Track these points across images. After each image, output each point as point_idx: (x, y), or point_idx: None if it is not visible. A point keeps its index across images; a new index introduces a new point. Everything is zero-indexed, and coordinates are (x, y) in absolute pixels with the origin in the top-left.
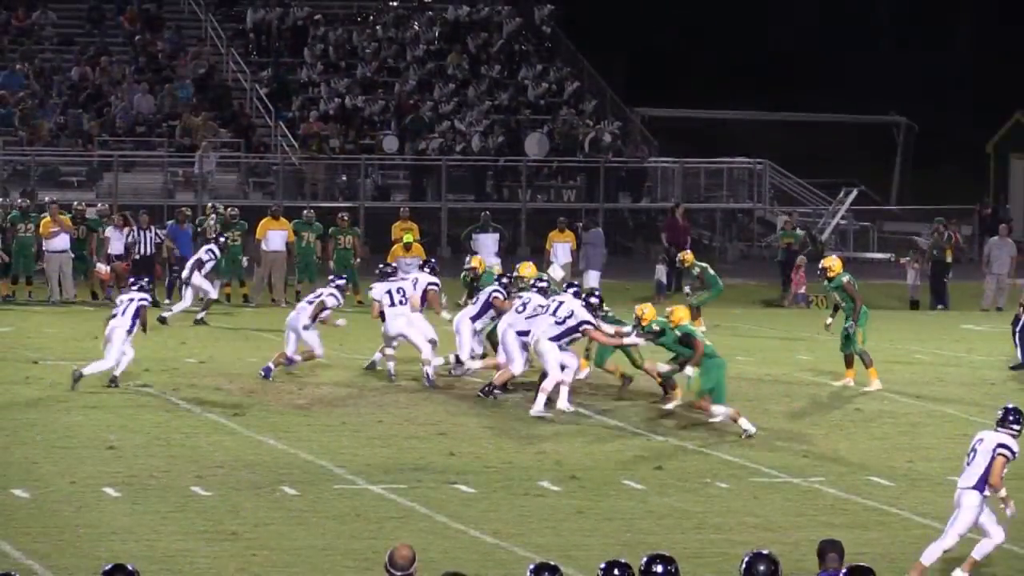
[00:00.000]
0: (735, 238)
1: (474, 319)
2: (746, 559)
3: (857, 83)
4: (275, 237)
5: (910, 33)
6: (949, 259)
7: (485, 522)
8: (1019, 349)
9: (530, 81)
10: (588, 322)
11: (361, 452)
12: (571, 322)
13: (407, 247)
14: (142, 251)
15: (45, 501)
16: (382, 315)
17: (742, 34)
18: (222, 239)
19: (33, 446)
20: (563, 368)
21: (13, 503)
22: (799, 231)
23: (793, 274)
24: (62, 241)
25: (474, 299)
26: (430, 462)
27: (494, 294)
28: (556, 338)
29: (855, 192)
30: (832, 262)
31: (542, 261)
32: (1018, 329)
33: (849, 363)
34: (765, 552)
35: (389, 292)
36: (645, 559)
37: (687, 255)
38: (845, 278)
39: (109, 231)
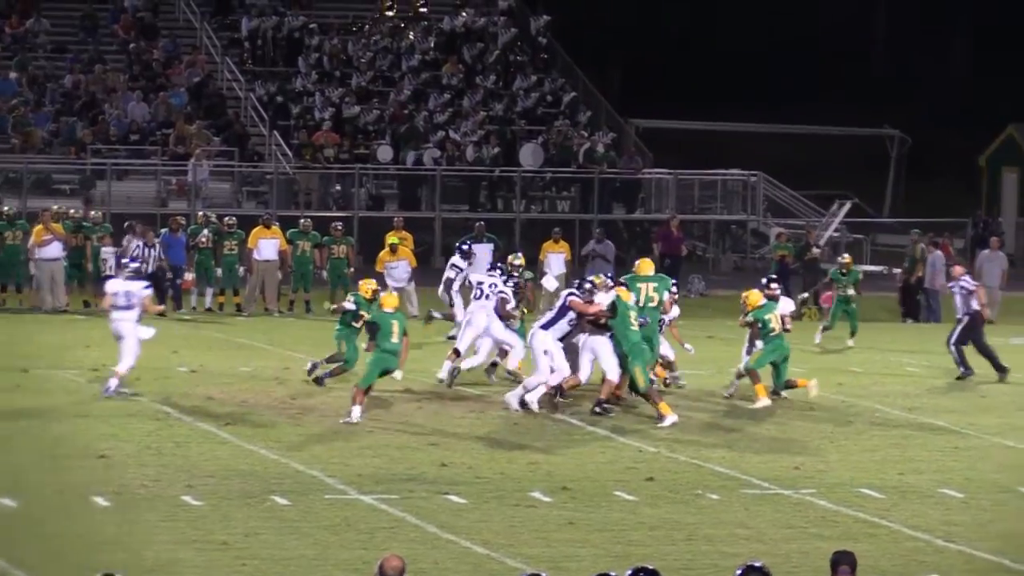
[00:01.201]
0: (728, 249)
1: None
2: (739, 571)
3: (851, 96)
4: (267, 246)
5: (905, 46)
6: (920, 273)
7: (476, 532)
8: (958, 360)
9: (525, 92)
10: (571, 294)
11: (352, 462)
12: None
13: (393, 249)
14: (149, 268)
15: (34, 510)
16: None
17: (737, 46)
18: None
19: (22, 454)
20: (552, 371)
21: (1, 512)
22: (816, 249)
23: (823, 290)
24: (55, 249)
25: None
26: (422, 472)
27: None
28: (547, 325)
29: (849, 204)
30: (750, 294)
31: (535, 272)
32: (952, 341)
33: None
34: (758, 564)
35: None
36: (630, 572)
37: (848, 259)
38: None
39: (126, 240)
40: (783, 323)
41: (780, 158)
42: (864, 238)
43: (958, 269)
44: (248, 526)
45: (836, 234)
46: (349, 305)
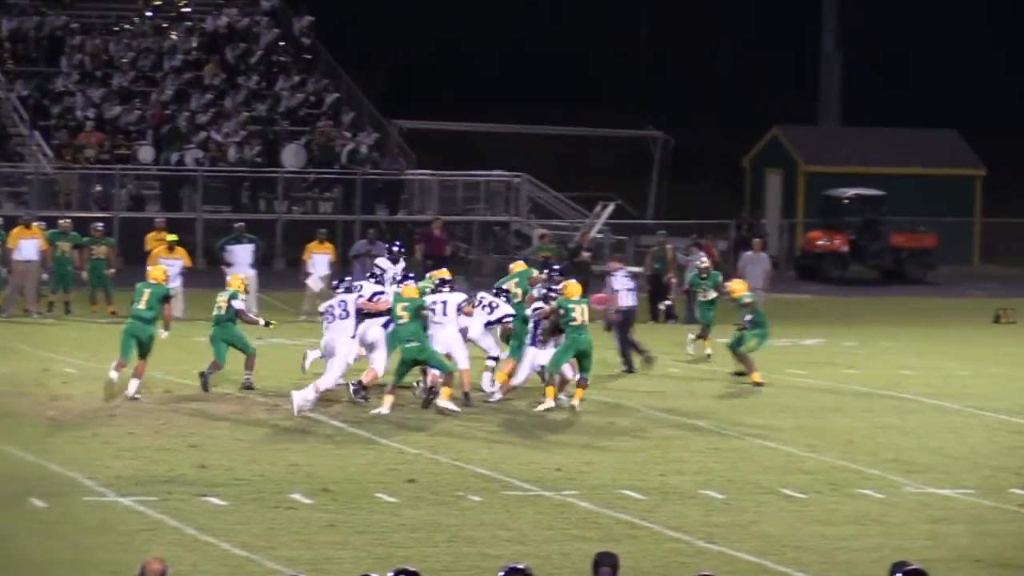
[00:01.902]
0: (492, 251)
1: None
2: (501, 573)
3: (616, 97)
4: (27, 247)
5: (669, 48)
6: (671, 274)
7: (235, 535)
8: (621, 356)
9: (288, 92)
10: (359, 297)
11: (111, 464)
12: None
13: (171, 247)
14: None
15: None
16: None
17: (502, 47)
18: None
19: None
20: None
21: None
22: (586, 252)
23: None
24: None
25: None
26: (181, 474)
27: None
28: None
29: (612, 206)
30: (569, 284)
31: (297, 272)
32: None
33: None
34: (521, 566)
35: None
36: (391, 573)
37: (707, 262)
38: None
39: None
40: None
41: (544, 159)
42: (627, 239)
43: (613, 264)
44: (5, 529)
45: (600, 235)
46: (239, 303)
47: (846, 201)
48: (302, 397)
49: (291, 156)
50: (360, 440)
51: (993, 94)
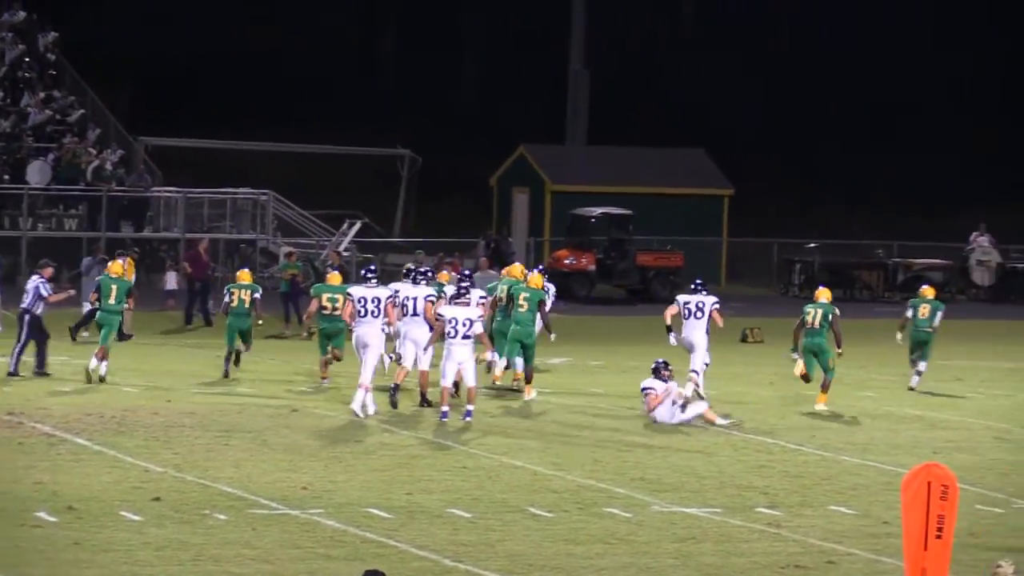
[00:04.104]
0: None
1: None
2: None
3: (364, 115)
4: None
5: (417, 66)
6: None
7: None
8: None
9: (33, 108)
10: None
11: None
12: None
13: None
14: None
15: None
16: None
17: (250, 63)
18: None
19: None
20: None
21: None
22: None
23: None
24: None
25: None
26: None
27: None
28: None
29: (359, 224)
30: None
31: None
32: None
33: None
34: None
35: None
36: None
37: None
38: None
39: None
40: None
41: (291, 177)
42: (374, 257)
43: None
44: None
45: (347, 253)
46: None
47: (593, 220)
48: (359, 403)
49: (36, 173)
50: (105, 458)
51: (740, 114)
